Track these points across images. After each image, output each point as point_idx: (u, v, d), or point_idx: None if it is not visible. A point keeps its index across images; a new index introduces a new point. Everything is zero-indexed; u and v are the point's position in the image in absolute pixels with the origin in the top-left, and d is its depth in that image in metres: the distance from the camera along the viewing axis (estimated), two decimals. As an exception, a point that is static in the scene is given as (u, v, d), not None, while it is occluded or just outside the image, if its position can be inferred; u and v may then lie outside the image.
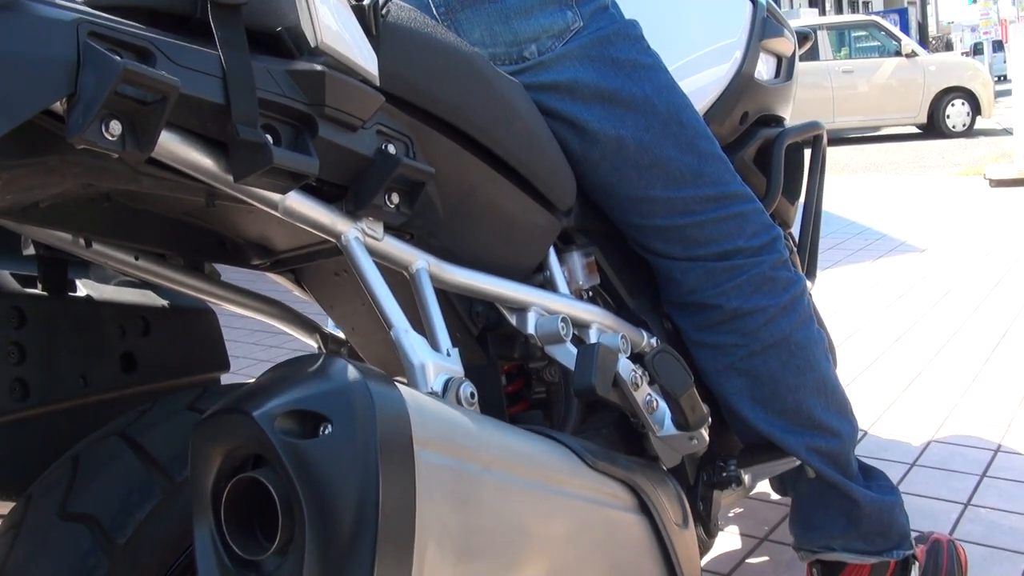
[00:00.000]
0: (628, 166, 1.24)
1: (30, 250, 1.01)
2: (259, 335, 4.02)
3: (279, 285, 1.26)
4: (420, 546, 0.64)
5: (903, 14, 20.55)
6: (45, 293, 1.01)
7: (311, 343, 1.33)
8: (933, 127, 12.25)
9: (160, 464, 0.80)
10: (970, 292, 3.96)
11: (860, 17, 16.15)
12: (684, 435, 1.13)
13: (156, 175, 0.77)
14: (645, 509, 0.95)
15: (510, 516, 0.76)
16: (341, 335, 1.35)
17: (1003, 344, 3.20)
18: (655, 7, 1.59)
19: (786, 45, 1.83)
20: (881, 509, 1.42)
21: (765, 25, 1.73)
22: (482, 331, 1.17)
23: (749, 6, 1.68)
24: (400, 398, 0.67)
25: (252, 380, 0.72)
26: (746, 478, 1.43)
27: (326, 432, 0.63)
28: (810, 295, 1.41)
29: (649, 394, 1.13)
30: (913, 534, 1.53)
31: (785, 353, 1.33)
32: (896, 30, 13.56)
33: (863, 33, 13.30)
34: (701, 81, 1.57)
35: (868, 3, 29.90)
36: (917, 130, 12.52)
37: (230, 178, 0.75)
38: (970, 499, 2.09)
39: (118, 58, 0.61)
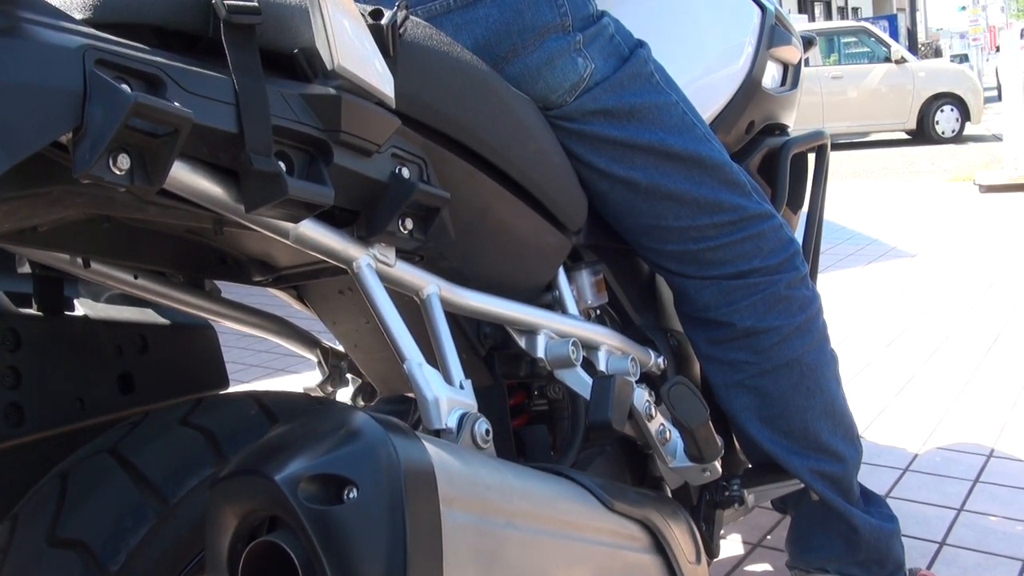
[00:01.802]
0: (639, 200, 1.22)
1: (25, 268, 0.98)
2: (248, 340, 3.98)
3: (277, 298, 1.24)
4: None
5: (892, 20, 20.58)
6: (40, 313, 0.97)
7: (311, 358, 1.30)
8: (922, 133, 12.28)
9: (153, 484, 0.76)
10: (961, 297, 3.96)
11: (850, 23, 16.16)
12: (697, 467, 1.11)
13: (164, 204, 0.74)
14: (660, 548, 0.92)
15: (534, 570, 0.74)
16: (341, 349, 1.32)
17: (994, 349, 3.20)
18: (663, 15, 1.57)
19: (793, 53, 1.81)
20: (879, 537, 1.41)
21: (773, 33, 1.70)
22: (489, 351, 1.15)
23: (758, 12, 1.66)
24: (425, 454, 0.64)
25: (264, 438, 0.68)
26: (749, 498, 1.41)
27: (351, 496, 0.60)
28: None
29: (662, 424, 1.11)
30: None
31: (796, 374, 1.31)
32: (886, 36, 13.59)
33: (852, 39, 13.33)
34: (709, 89, 1.55)
35: (857, 9, 29.98)
36: (906, 136, 12.54)
37: (241, 207, 0.72)
38: (963, 504, 2.09)
39: (128, 89, 0.58)
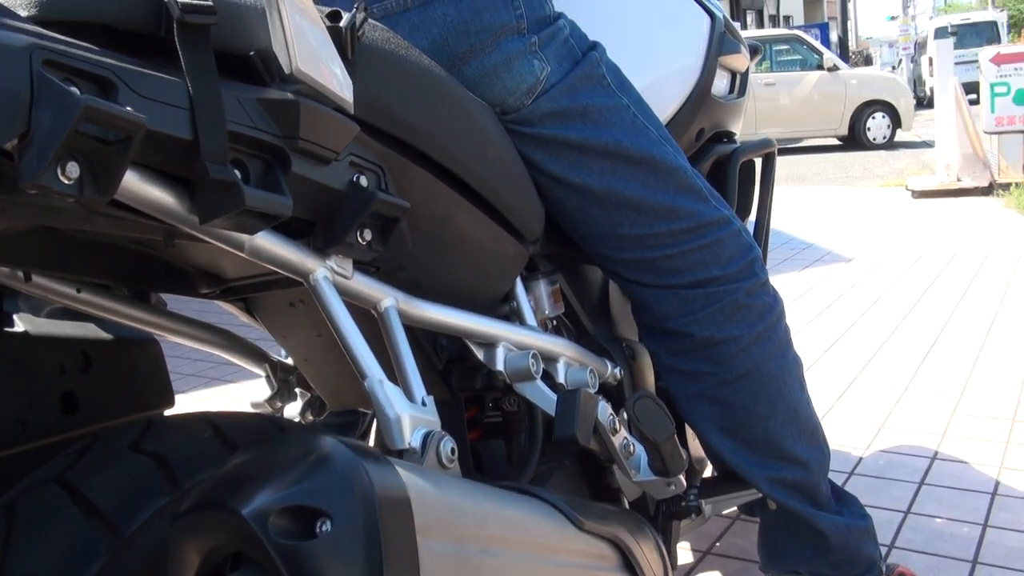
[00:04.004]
0: (595, 207, 1.20)
1: (-41, 283, 0.92)
2: (183, 349, 3.87)
3: (224, 312, 1.19)
4: None
5: (824, 29, 20.98)
6: (-24, 330, 0.92)
7: (259, 372, 1.26)
8: (854, 139, 12.53)
9: (105, 516, 0.71)
10: (899, 300, 4.02)
11: (782, 31, 16.44)
12: (662, 480, 1.09)
13: (114, 215, 0.69)
14: (629, 566, 0.90)
15: None
16: (290, 362, 1.28)
17: (934, 352, 3.25)
18: (616, 20, 1.55)
19: (742, 61, 1.82)
20: (849, 537, 1.40)
21: (723, 41, 1.70)
22: (446, 365, 1.12)
23: (708, 20, 1.65)
24: (399, 481, 0.61)
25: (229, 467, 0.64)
26: (706, 508, 1.40)
27: (325, 530, 0.56)
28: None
29: (626, 438, 1.09)
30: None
31: (757, 383, 1.29)
32: (818, 44, 13.84)
33: (785, 47, 13.52)
34: (660, 96, 1.54)
35: (789, 18, 30.46)
36: (838, 142, 12.77)
37: (194, 219, 0.68)
38: (910, 507, 2.11)
39: (78, 92, 0.54)
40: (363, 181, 0.83)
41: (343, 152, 0.80)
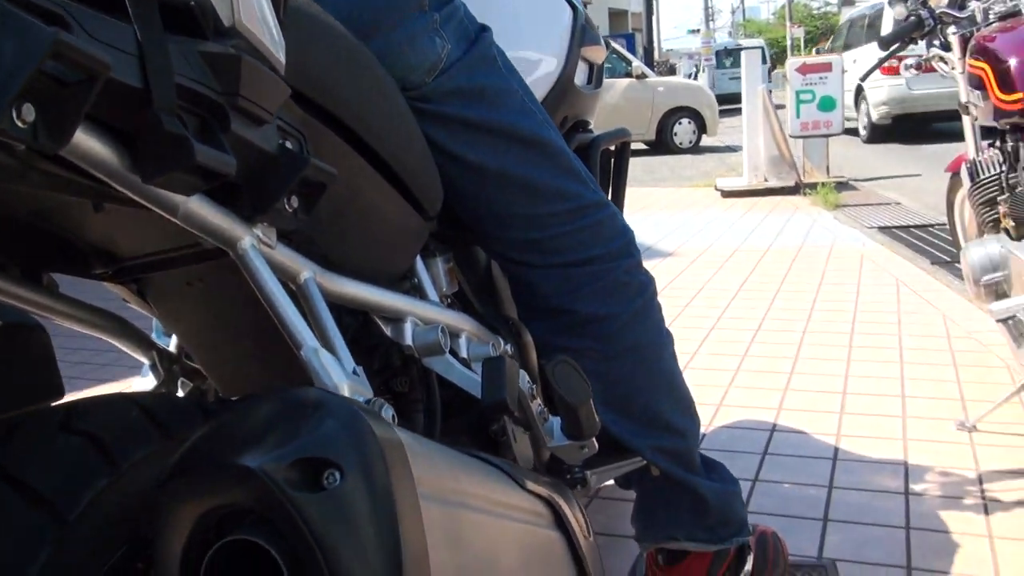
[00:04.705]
0: (490, 187, 1.22)
1: None
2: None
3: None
4: None
5: (630, 39, 21.72)
6: None
7: (144, 360, 1.19)
8: (662, 143, 13.03)
9: (47, 501, 0.66)
10: (721, 291, 4.22)
11: (592, 38, 16.86)
12: (575, 444, 1.11)
13: (50, 171, 0.65)
14: (561, 524, 0.91)
15: (485, 551, 0.71)
16: (175, 351, 1.23)
17: (760, 336, 3.44)
18: (485, 8, 1.57)
19: (599, 53, 1.87)
20: (723, 500, 1.48)
21: (584, 32, 1.75)
22: (351, 342, 1.10)
23: (570, 12, 1.70)
24: (394, 432, 0.60)
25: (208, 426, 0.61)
26: (592, 479, 1.43)
27: (332, 480, 0.54)
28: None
29: (540, 405, 1.10)
30: None
31: (637, 357, 1.35)
32: (627, 52, 14.32)
33: (596, 54, 13.89)
34: (530, 84, 1.57)
35: (596, 28, 31.31)
36: (646, 146, 13.25)
37: (134, 178, 0.65)
38: (757, 475, 2.24)
39: (46, 26, 0.51)
40: (289, 146, 0.81)
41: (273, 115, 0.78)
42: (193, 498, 0.56)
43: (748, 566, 1.56)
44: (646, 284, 1.39)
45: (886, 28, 11.24)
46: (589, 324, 1.31)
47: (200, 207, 0.74)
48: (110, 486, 0.68)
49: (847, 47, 13.21)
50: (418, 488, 0.59)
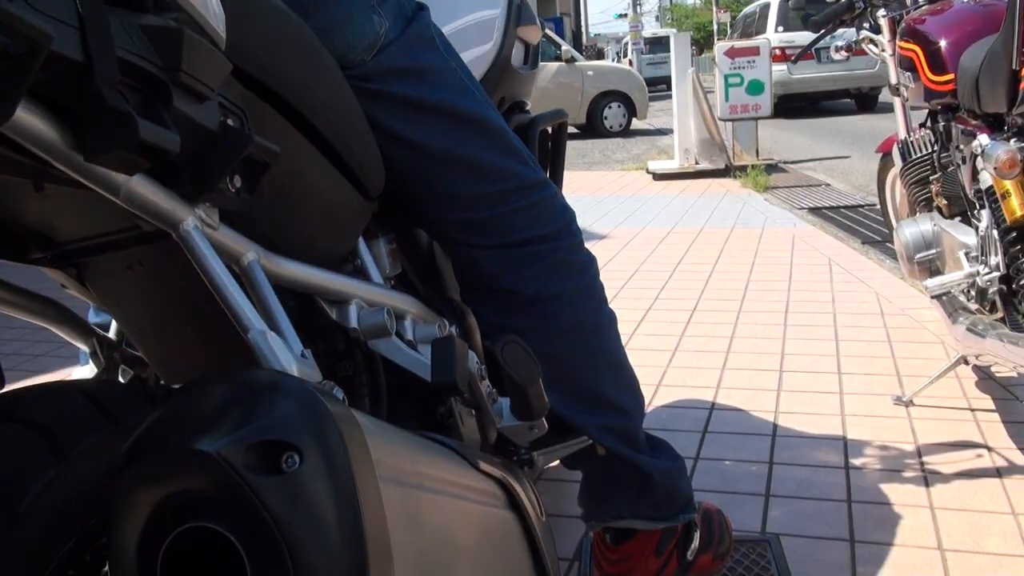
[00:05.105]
0: (431, 167, 1.21)
1: None
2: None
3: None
4: (398, 574, 0.57)
5: (559, 23, 21.74)
6: None
7: (84, 348, 1.16)
8: (592, 127, 13.09)
9: None
10: (656, 272, 4.26)
11: (522, 22, 16.85)
12: (524, 425, 1.11)
13: None
14: (515, 505, 0.91)
15: (443, 531, 0.70)
16: (115, 338, 1.20)
17: (696, 317, 3.47)
18: None
19: (535, 33, 1.87)
20: (668, 477, 1.49)
21: (520, 11, 1.74)
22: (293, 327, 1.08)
23: None
24: (352, 415, 0.59)
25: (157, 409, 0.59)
26: (539, 460, 1.43)
27: (291, 463, 0.53)
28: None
29: (489, 386, 1.09)
30: None
31: (581, 336, 1.35)
32: (556, 36, 14.34)
33: (524, 37, 13.91)
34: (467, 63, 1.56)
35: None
36: (576, 130, 13.29)
37: (76, 156, 0.62)
38: (699, 453, 2.26)
39: None
40: (231, 124, 0.79)
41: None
42: (148, 485, 0.54)
43: (695, 543, 1.58)
44: (588, 263, 1.39)
45: (771, 21, 13.52)
46: (532, 304, 1.31)
47: (142, 187, 0.72)
48: (57, 476, 0.66)
49: (747, 34, 14.70)
50: (376, 470, 0.58)
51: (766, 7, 14.17)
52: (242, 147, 0.76)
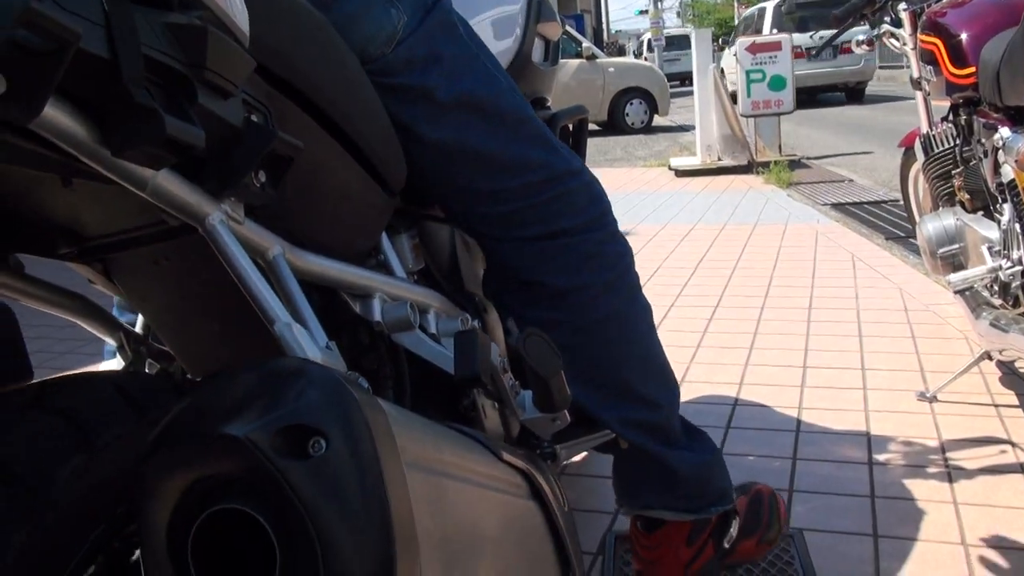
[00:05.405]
0: (450, 164, 1.20)
1: None
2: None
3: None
4: (423, 560, 0.58)
5: (579, 20, 21.69)
6: None
7: (111, 342, 1.18)
8: (614, 124, 13.07)
9: (21, 478, 0.65)
10: (679, 268, 4.25)
11: (543, 20, 16.87)
12: (547, 417, 1.12)
13: (20, 145, 0.64)
14: (537, 495, 0.92)
15: (465, 519, 0.71)
16: (141, 332, 1.21)
17: (719, 313, 3.47)
18: None
19: (555, 29, 1.87)
20: (698, 471, 1.46)
21: (540, 8, 1.75)
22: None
23: None
24: (375, 399, 0.60)
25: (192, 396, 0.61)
26: (562, 453, 1.43)
27: (318, 447, 0.54)
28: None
29: (512, 378, 1.10)
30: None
31: (609, 329, 1.33)
32: (576, 33, 14.32)
33: (546, 35, 13.94)
34: None
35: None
36: (598, 127, 13.27)
37: (103, 152, 0.64)
38: (722, 448, 2.24)
39: None
40: (255, 120, 0.80)
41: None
42: (179, 469, 0.56)
43: (733, 530, 1.55)
44: (621, 254, 1.36)
45: (767, 23, 15.03)
46: (560, 296, 1.30)
47: (168, 182, 0.73)
48: (86, 464, 0.68)
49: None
50: (401, 456, 0.59)
51: (763, 10, 15.93)
52: (266, 142, 0.78)
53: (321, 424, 0.55)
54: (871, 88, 16.51)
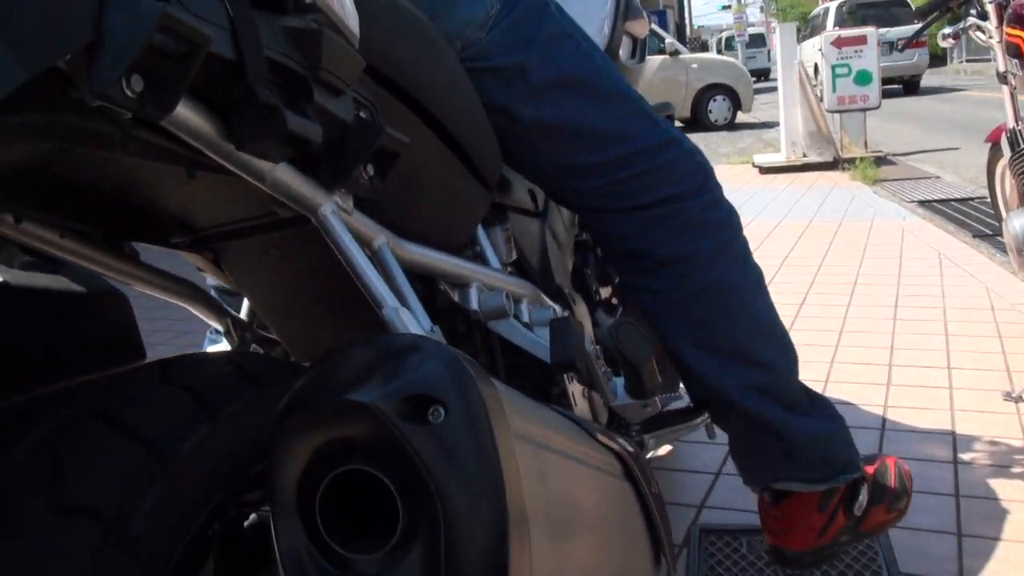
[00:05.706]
0: (549, 141, 1.22)
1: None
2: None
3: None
4: (532, 527, 0.62)
5: (662, 16, 21.53)
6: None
7: (219, 327, 1.25)
8: (697, 121, 12.96)
9: (152, 445, 0.70)
10: (765, 265, 4.17)
11: (625, 16, 16.83)
12: (638, 403, 1.14)
13: (150, 140, 0.69)
14: (631, 476, 0.95)
15: (566, 493, 0.75)
16: (245, 319, 1.28)
17: (804, 311, 3.45)
18: None
19: (642, 27, 1.89)
20: (818, 440, 1.42)
21: (628, 5, 1.77)
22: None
23: None
24: (488, 376, 0.65)
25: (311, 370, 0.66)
26: (649, 443, 1.45)
27: (439, 416, 0.59)
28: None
29: (604, 365, 1.13)
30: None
31: (720, 295, 1.32)
32: (659, 30, 14.23)
33: (628, 32, 13.90)
34: None
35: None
36: (681, 124, 13.18)
37: (227, 146, 0.69)
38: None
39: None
40: (364, 117, 0.85)
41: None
42: (309, 432, 0.61)
43: (863, 497, 1.50)
44: (726, 219, 1.36)
45: (830, 21, 16.07)
46: (667, 264, 1.29)
47: (285, 174, 0.78)
48: (208, 435, 0.73)
49: (813, 34, 17.68)
50: (510, 427, 0.63)
51: (827, 10, 17.79)
52: (375, 138, 0.82)
53: (441, 394, 0.59)
54: (952, 82, 16.54)
